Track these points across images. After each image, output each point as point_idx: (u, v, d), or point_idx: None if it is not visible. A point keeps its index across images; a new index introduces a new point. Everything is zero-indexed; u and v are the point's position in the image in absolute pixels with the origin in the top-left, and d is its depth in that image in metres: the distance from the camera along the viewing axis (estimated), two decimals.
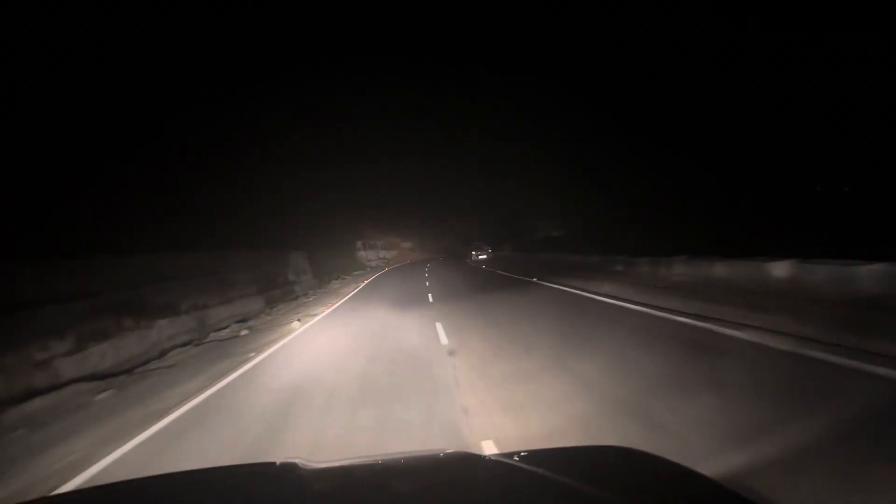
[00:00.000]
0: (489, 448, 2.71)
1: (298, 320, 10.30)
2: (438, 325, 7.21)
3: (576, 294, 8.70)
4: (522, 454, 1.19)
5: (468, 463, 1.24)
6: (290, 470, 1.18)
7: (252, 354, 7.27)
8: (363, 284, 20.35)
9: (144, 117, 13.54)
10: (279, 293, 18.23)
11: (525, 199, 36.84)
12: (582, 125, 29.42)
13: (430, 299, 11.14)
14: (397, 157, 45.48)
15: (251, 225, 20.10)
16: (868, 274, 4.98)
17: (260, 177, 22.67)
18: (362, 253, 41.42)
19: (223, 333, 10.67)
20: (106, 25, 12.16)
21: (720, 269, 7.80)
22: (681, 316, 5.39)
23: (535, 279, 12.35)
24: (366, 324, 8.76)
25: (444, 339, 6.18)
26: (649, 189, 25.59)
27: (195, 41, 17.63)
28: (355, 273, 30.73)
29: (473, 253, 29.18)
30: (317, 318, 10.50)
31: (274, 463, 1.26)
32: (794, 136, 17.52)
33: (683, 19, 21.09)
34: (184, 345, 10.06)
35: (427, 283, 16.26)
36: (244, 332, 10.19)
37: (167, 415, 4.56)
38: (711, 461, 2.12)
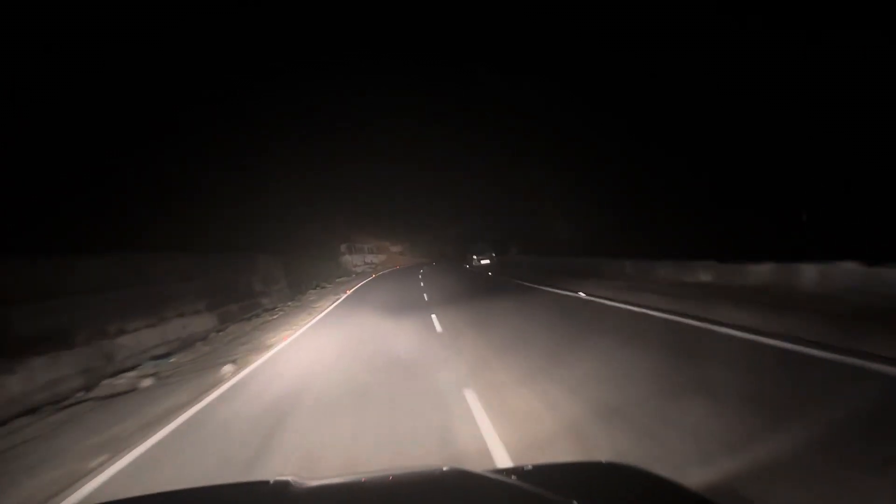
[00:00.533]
0: None
1: (233, 362, 6.57)
2: (470, 398, 3.64)
3: (717, 334, 5.17)
4: (517, 470, 1.25)
5: (463, 479, 1.14)
6: (282, 489, 1.10)
7: (98, 463, 3.58)
8: (344, 296, 16.61)
9: (128, 115, 12.36)
10: (238, 308, 14.41)
11: (529, 201, 33.73)
12: (584, 124, 28.31)
13: (438, 328, 7.51)
14: (390, 157, 43.15)
15: (230, 228, 17.17)
16: None
17: (239, 177, 19.97)
18: (347, 257, 37.45)
19: (120, 382, 6.90)
20: (102, 25, 11.05)
21: None
22: None
23: (581, 293, 8.84)
24: (340, 367, 5.14)
25: (490, 438, 2.60)
26: (655, 190, 24.30)
27: (174, 42, 15.41)
28: (338, 280, 26.91)
29: (475, 257, 25.27)
30: (265, 358, 6.80)
31: (267, 482, 1.17)
32: (794, 137, 15.74)
33: (683, 19, 20.63)
34: (42, 407, 6.27)
35: (425, 297, 12.65)
36: (145, 384, 6.44)
37: None
38: None
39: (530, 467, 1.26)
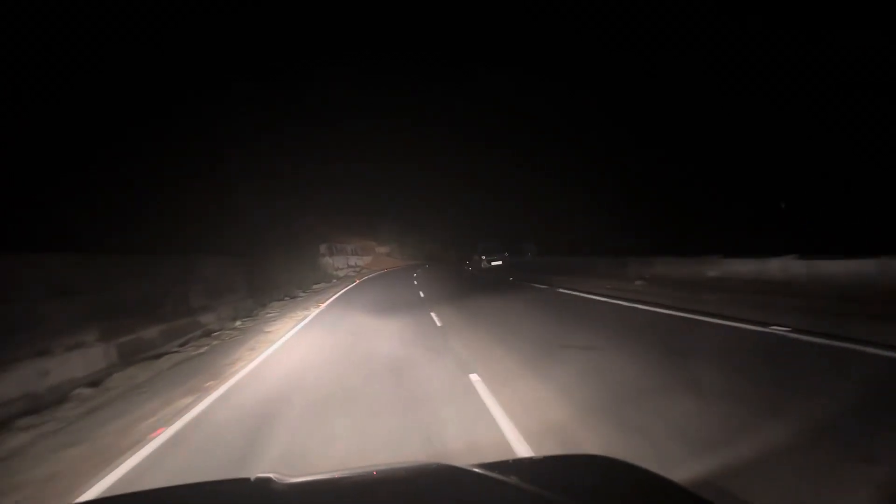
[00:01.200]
0: None
1: None
2: None
3: None
4: (501, 464, 1.17)
5: (447, 475, 1.13)
6: (264, 485, 1.06)
7: None
8: (315, 312, 12.24)
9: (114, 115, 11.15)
10: (159, 333, 9.89)
11: (535, 200, 30.37)
12: (584, 123, 27.22)
13: (497, 412, 3.33)
14: (389, 158, 40.68)
15: (182, 227, 13.62)
16: None
17: (204, 173, 16.56)
18: (328, 259, 32.87)
19: None
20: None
21: None
22: None
23: (760, 327, 4.75)
24: None
25: None
26: (659, 187, 23.07)
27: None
28: (315, 287, 22.46)
29: (484, 258, 21.17)
30: None
31: (248, 479, 1.12)
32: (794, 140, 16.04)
33: (684, 19, 20.39)
34: None
35: (436, 320, 8.45)
36: None
37: None
38: None
39: (517, 461, 1.24)
